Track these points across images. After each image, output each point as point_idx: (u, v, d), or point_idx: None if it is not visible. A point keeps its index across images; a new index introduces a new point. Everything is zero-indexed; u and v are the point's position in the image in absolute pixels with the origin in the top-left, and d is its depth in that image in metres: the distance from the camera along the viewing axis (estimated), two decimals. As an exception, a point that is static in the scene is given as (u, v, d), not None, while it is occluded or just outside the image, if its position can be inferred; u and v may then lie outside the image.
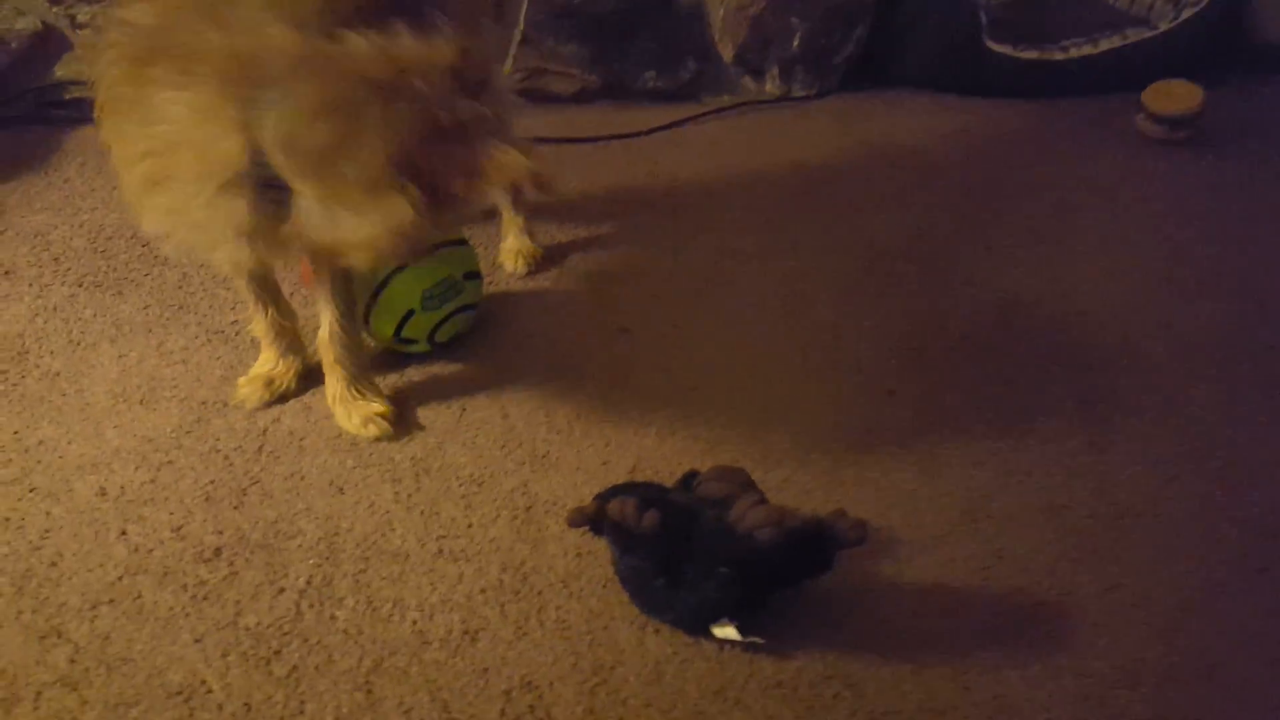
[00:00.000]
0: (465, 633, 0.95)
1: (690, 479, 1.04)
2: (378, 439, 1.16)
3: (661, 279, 1.51)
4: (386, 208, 0.89)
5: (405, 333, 1.26)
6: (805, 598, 0.99)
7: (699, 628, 0.95)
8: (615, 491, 0.99)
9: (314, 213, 0.92)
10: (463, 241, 1.32)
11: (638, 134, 1.92)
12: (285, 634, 0.94)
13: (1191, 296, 1.48)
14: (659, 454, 1.18)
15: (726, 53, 2.06)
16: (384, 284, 1.23)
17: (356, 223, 0.91)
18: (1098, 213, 1.69)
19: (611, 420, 1.23)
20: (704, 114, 2.00)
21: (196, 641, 0.93)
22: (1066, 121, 2.00)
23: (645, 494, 0.97)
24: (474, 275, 1.31)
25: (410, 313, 1.24)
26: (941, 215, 1.69)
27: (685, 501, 0.99)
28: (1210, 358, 1.35)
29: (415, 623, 0.96)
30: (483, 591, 0.99)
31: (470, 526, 1.06)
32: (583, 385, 1.29)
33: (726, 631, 0.94)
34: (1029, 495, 1.14)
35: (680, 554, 0.93)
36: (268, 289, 1.19)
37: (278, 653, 0.92)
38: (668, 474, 1.12)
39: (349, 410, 1.17)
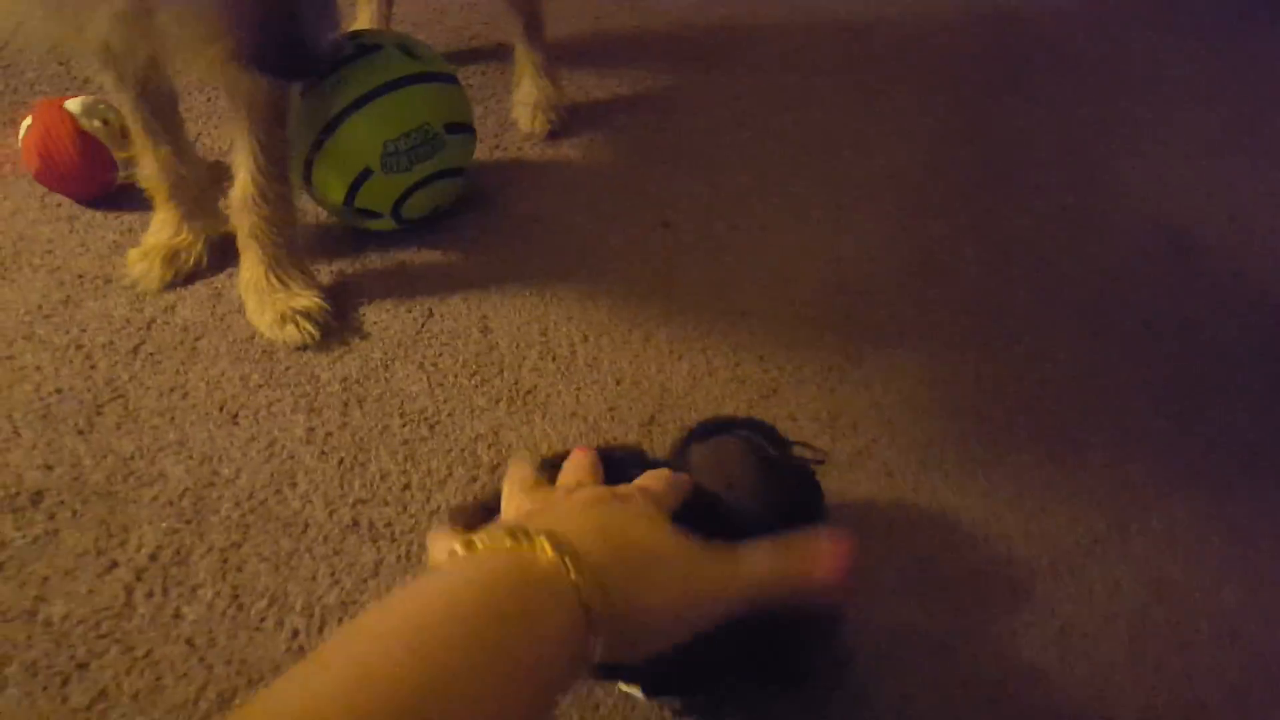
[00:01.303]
0: (366, 661, 0.60)
1: (688, 442, 0.66)
2: (300, 347, 0.80)
3: (725, 161, 1.09)
4: None
5: (360, 201, 0.88)
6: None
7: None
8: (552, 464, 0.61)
9: None
10: (448, 77, 0.91)
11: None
12: (101, 637, 0.59)
13: None
14: (687, 401, 0.80)
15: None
16: (330, 127, 0.84)
17: None
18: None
19: (631, 347, 0.85)
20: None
21: (-34, 640, 0.60)
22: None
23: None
24: (461, 128, 0.91)
25: (367, 172, 0.85)
26: (1088, 113, 1.23)
27: None
28: None
29: (296, 635, 0.61)
30: (405, 594, 0.64)
31: (407, 489, 0.70)
32: (599, 295, 0.90)
33: (631, 689, 0.60)
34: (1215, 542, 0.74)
35: None
36: (160, 115, 0.80)
37: (83, 667, 0.58)
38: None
39: (263, 302, 0.80)
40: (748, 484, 0.61)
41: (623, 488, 0.50)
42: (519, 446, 0.74)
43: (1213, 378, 0.88)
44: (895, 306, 0.92)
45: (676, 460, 0.64)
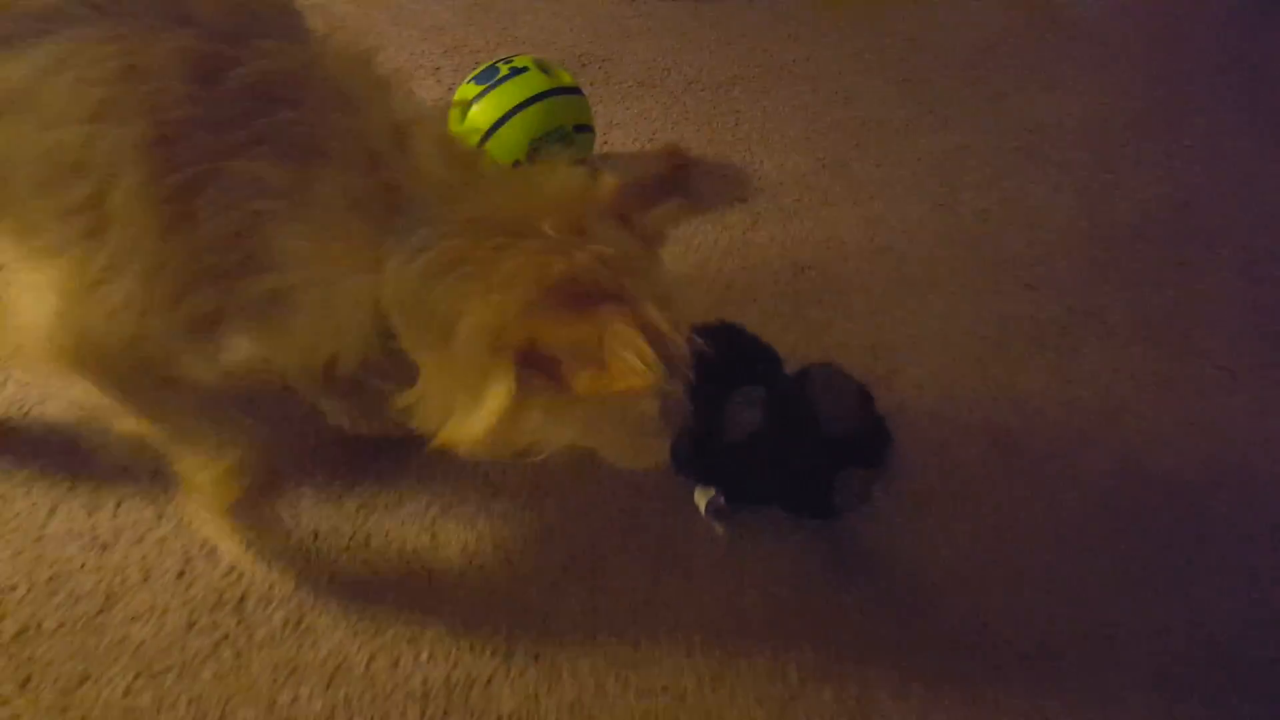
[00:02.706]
0: None
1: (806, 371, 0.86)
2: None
3: (794, 146, 1.31)
4: (497, 393, 0.60)
5: (512, 187, 1.13)
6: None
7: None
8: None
9: (428, 395, 0.65)
10: (576, 89, 1.16)
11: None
12: None
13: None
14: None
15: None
16: (490, 132, 1.10)
17: (468, 412, 0.62)
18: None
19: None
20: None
21: None
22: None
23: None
24: (586, 128, 1.16)
25: (516, 164, 1.11)
26: (1117, 99, 1.40)
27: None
28: None
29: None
30: None
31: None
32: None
33: (706, 493, 0.83)
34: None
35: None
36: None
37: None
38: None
39: None
40: (853, 418, 0.80)
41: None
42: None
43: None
44: (938, 266, 1.12)
45: (799, 376, 0.83)
